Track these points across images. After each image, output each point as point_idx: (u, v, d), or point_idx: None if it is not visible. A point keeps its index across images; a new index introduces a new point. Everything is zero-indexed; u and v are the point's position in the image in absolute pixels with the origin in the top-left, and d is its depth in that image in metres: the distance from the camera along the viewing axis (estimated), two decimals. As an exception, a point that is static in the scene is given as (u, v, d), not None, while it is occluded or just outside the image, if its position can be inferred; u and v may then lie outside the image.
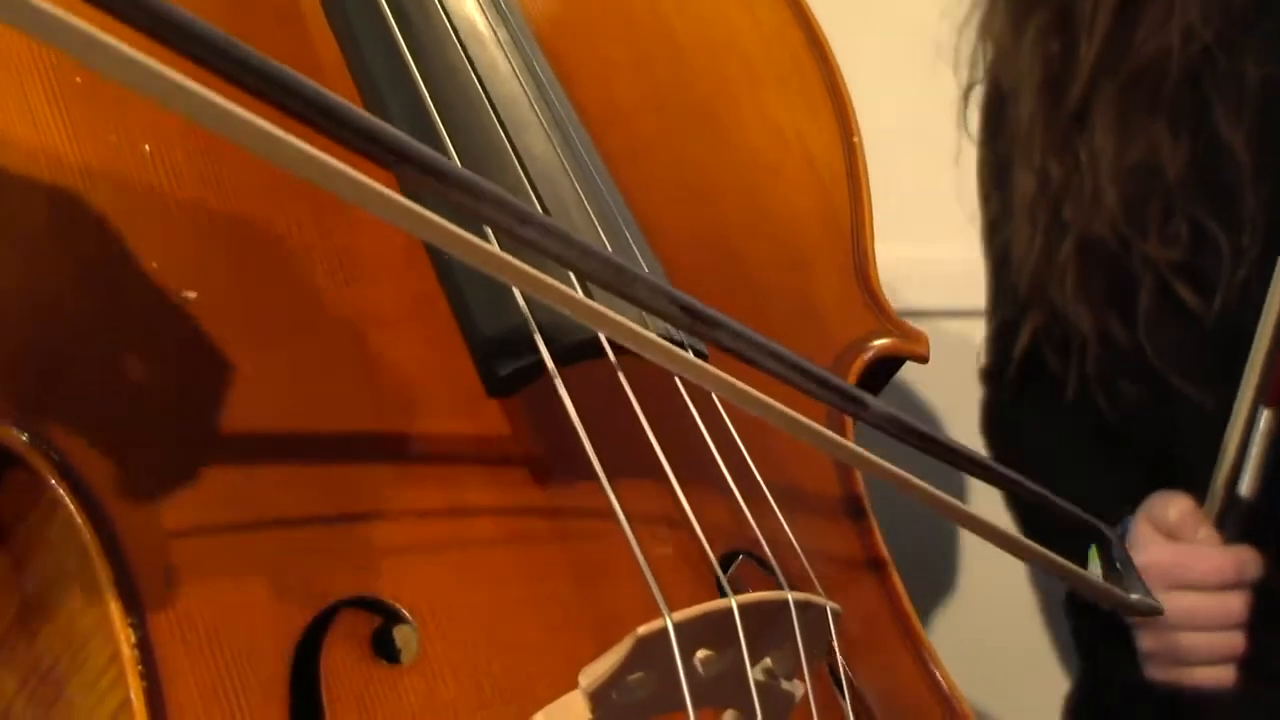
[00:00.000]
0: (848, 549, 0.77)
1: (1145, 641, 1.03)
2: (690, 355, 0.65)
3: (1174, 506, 1.02)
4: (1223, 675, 0.99)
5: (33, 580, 0.66)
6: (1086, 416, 1.15)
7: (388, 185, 0.53)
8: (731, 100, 0.85)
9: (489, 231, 0.61)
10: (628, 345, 0.63)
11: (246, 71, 0.49)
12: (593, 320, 0.61)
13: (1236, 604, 0.99)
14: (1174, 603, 0.98)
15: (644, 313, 0.64)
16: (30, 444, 0.62)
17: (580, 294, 0.61)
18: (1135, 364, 1.09)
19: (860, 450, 0.70)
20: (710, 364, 0.65)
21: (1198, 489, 1.02)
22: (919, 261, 1.36)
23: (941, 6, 1.25)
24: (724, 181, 0.83)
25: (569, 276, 0.64)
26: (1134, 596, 0.76)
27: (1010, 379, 1.21)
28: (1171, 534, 1.01)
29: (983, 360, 1.25)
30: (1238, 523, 0.99)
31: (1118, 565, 0.77)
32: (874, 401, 0.67)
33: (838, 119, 0.86)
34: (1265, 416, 0.96)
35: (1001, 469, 0.73)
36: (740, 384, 0.64)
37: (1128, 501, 1.09)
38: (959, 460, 0.71)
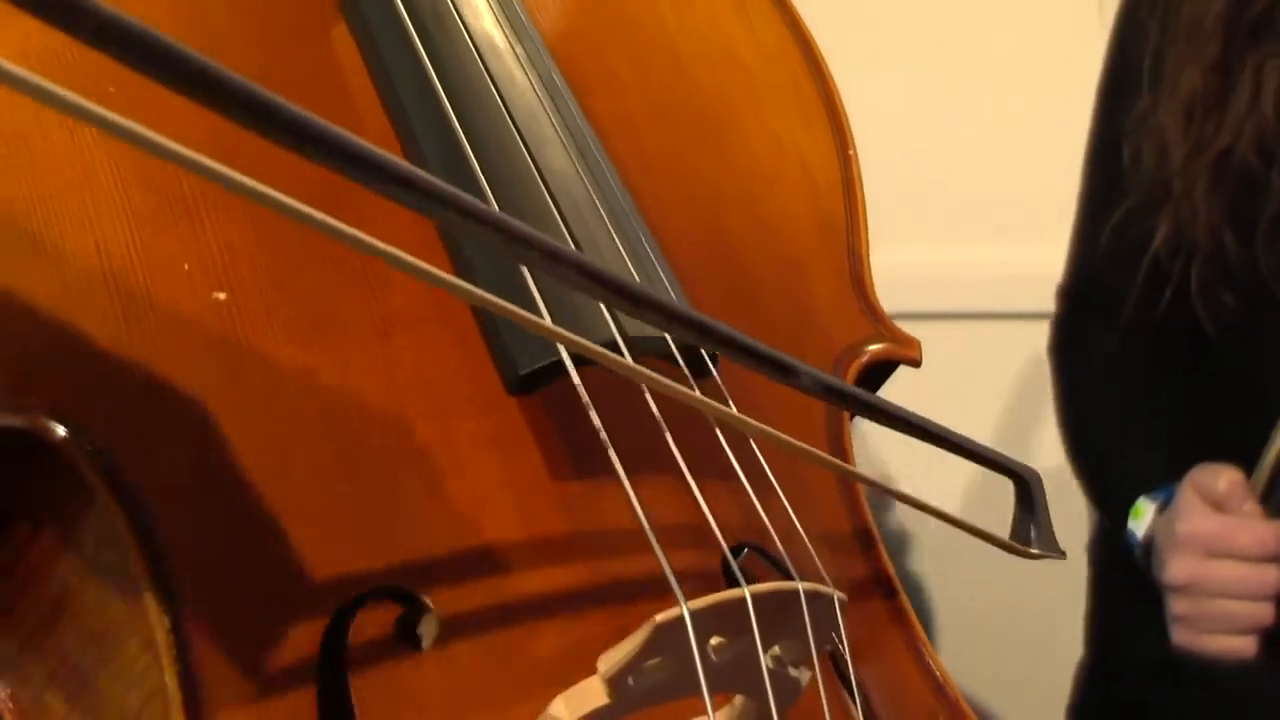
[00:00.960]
0: (848, 540, 0.78)
1: (1178, 605, 1.02)
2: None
3: (1223, 477, 1.01)
4: (1246, 645, 1.00)
5: (66, 570, 0.66)
6: (1153, 345, 1.13)
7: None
8: (733, 113, 0.86)
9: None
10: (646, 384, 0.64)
11: (277, 125, 0.48)
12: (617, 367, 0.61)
13: (1274, 576, 0.99)
14: (1215, 571, 0.99)
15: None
16: (69, 437, 0.62)
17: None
18: (1242, 276, 1.06)
19: (850, 468, 0.71)
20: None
21: (1268, 420, 1.01)
22: (911, 265, 1.37)
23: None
24: (727, 190, 0.83)
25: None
26: (1035, 550, 0.75)
27: (1085, 295, 1.20)
28: (1218, 504, 1.01)
29: (1061, 279, 1.23)
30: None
31: (1029, 512, 0.76)
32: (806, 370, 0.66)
33: (834, 132, 0.87)
34: None
35: (931, 426, 0.72)
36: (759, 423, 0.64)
37: (1170, 434, 1.08)
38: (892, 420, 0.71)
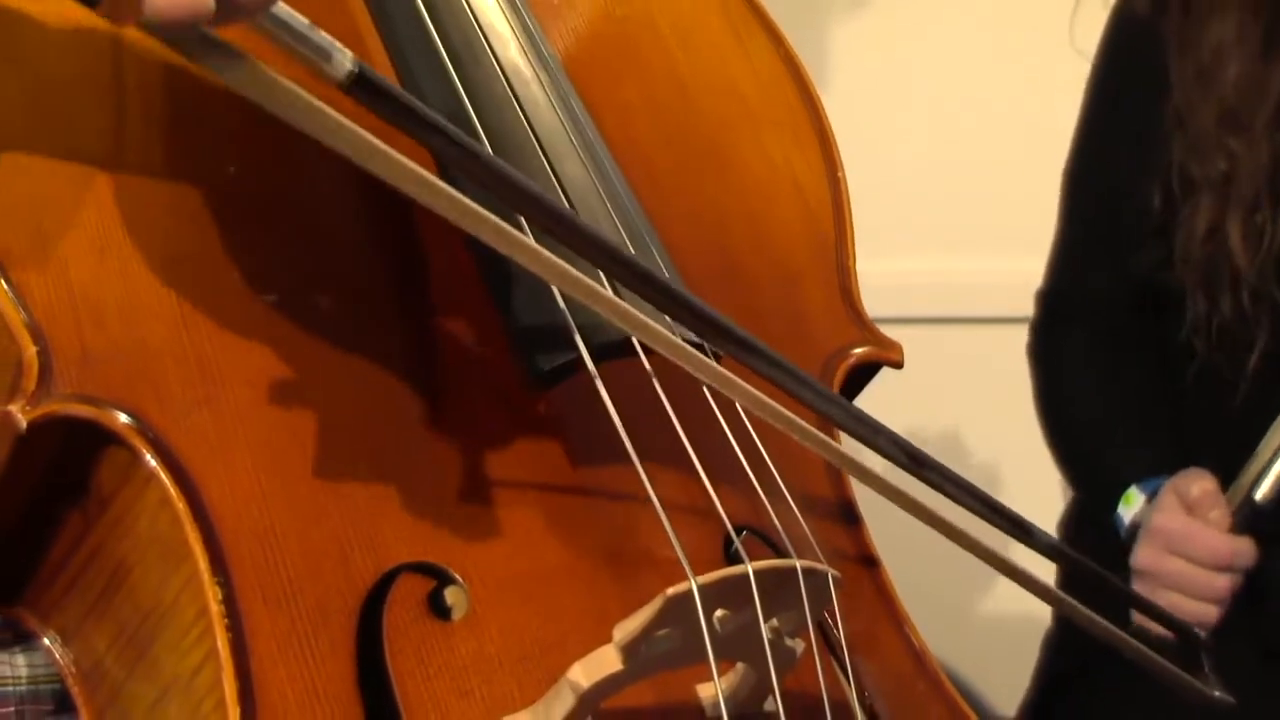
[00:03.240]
0: (837, 521, 0.78)
1: (1137, 586, 1.04)
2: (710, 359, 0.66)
3: (1197, 485, 1.02)
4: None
5: (128, 545, 0.66)
6: (1129, 350, 1.12)
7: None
8: (733, 138, 0.86)
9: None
10: (655, 347, 0.64)
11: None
12: (630, 325, 0.62)
13: (1222, 583, 1.00)
14: (1170, 566, 1.01)
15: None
16: (130, 425, 0.62)
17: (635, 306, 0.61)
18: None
19: (844, 451, 0.72)
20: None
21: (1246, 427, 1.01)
22: (894, 274, 1.37)
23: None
24: (727, 207, 0.84)
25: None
26: (1216, 693, 0.80)
27: (1064, 300, 1.18)
28: (1190, 508, 1.02)
29: (1041, 284, 1.21)
30: (1246, 519, 1.00)
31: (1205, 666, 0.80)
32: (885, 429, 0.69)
33: (824, 156, 0.87)
34: None
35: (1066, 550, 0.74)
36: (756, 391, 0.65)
37: (1147, 430, 1.08)
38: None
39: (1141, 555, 1.03)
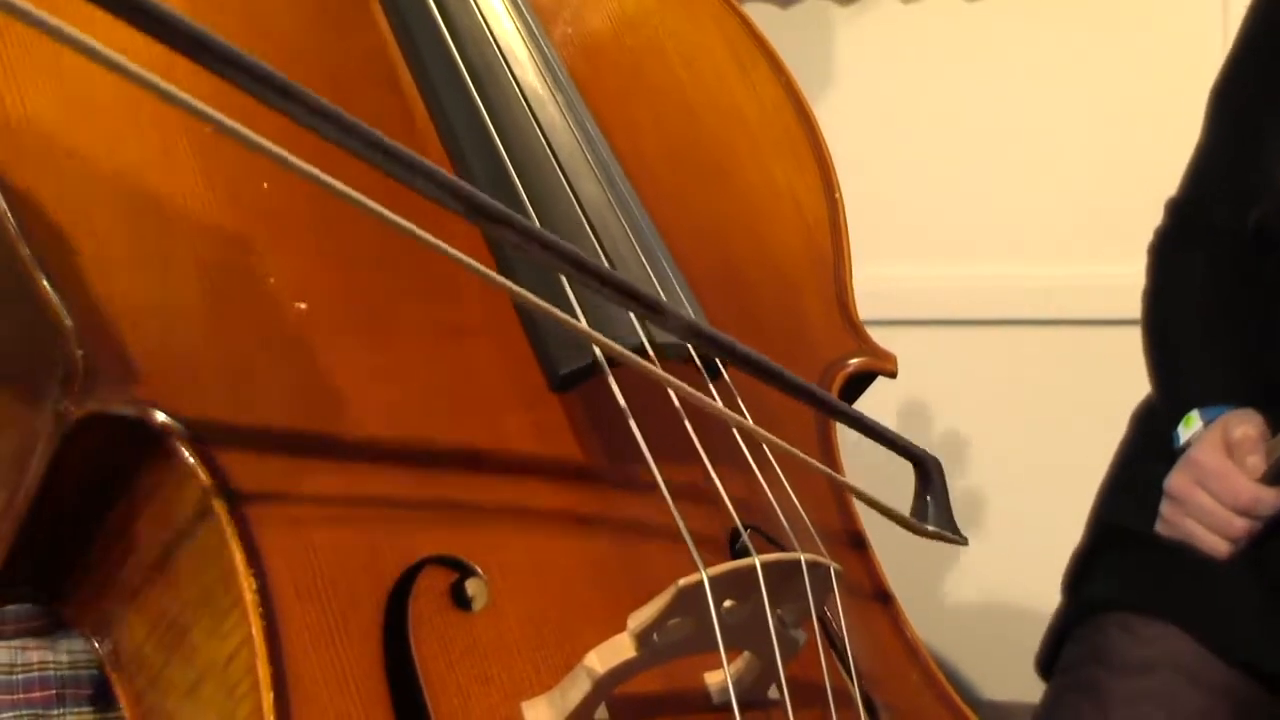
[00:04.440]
0: (834, 517, 0.79)
1: (1164, 506, 1.05)
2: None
3: (1241, 427, 1.02)
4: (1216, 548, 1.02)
5: (167, 537, 0.66)
6: (1241, 277, 1.11)
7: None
8: (736, 158, 0.87)
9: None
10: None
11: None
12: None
13: (1240, 524, 1.01)
14: (1196, 497, 1.03)
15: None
16: (169, 423, 0.63)
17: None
18: None
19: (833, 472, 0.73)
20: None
21: None
22: (890, 279, 1.37)
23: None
24: (731, 223, 0.85)
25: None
26: (930, 528, 0.77)
27: (1194, 213, 1.16)
28: (1230, 447, 1.02)
29: (1177, 192, 1.19)
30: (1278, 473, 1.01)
31: (927, 495, 0.77)
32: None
33: (822, 177, 0.88)
34: None
35: (836, 403, 0.74)
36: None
37: (1234, 358, 1.08)
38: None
39: (1175, 480, 1.04)
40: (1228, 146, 1.16)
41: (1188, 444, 1.05)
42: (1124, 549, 1.09)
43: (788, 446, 0.69)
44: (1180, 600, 1.01)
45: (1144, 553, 1.06)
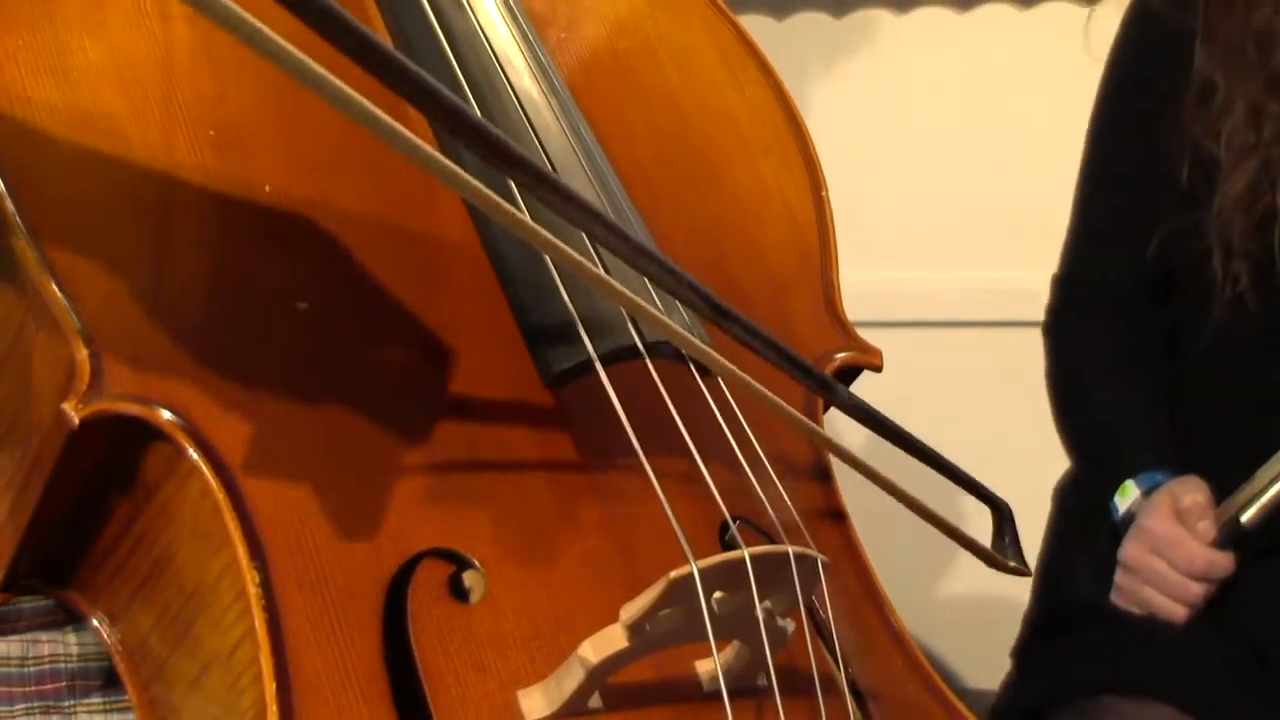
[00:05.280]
0: (822, 511, 0.79)
1: (1119, 576, 1.05)
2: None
3: (1190, 495, 1.02)
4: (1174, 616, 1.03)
5: (172, 533, 0.66)
6: (1138, 337, 1.12)
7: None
8: (727, 160, 0.87)
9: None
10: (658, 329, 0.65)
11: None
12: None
13: (1196, 589, 1.01)
14: (1151, 564, 1.02)
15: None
16: (174, 421, 0.63)
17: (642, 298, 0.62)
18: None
19: (821, 430, 0.74)
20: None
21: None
22: (877, 281, 1.37)
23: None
24: (723, 224, 0.84)
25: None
26: (1011, 564, 0.81)
27: (1080, 285, 1.16)
28: (1180, 515, 1.02)
29: (1059, 269, 1.19)
30: (1230, 536, 1.01)
31: (1005, 535, 0.81)
32: (843, 390, 0.70)
33: (810, 178, 0.88)
34: None
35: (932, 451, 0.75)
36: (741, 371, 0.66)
37: (1149, 415, 1.08)
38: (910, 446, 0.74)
39: (1129, 550, 1.04)
40: (1109, 200, 1.16)
41: (1128, 513, 1.05)
42: (1089, 626, 1.08)
43: (786, 406, 0.69)
44: (1168, 678, 1.00)
45: (1113, 630, 1.05)
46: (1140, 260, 1.10)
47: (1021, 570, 0.81)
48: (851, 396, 0.72)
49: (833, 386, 0.72)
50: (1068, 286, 1.19)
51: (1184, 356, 1.10)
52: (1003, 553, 0.80)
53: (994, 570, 0.82)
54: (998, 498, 0.81)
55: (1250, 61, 1.05)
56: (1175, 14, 1.09)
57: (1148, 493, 1.04)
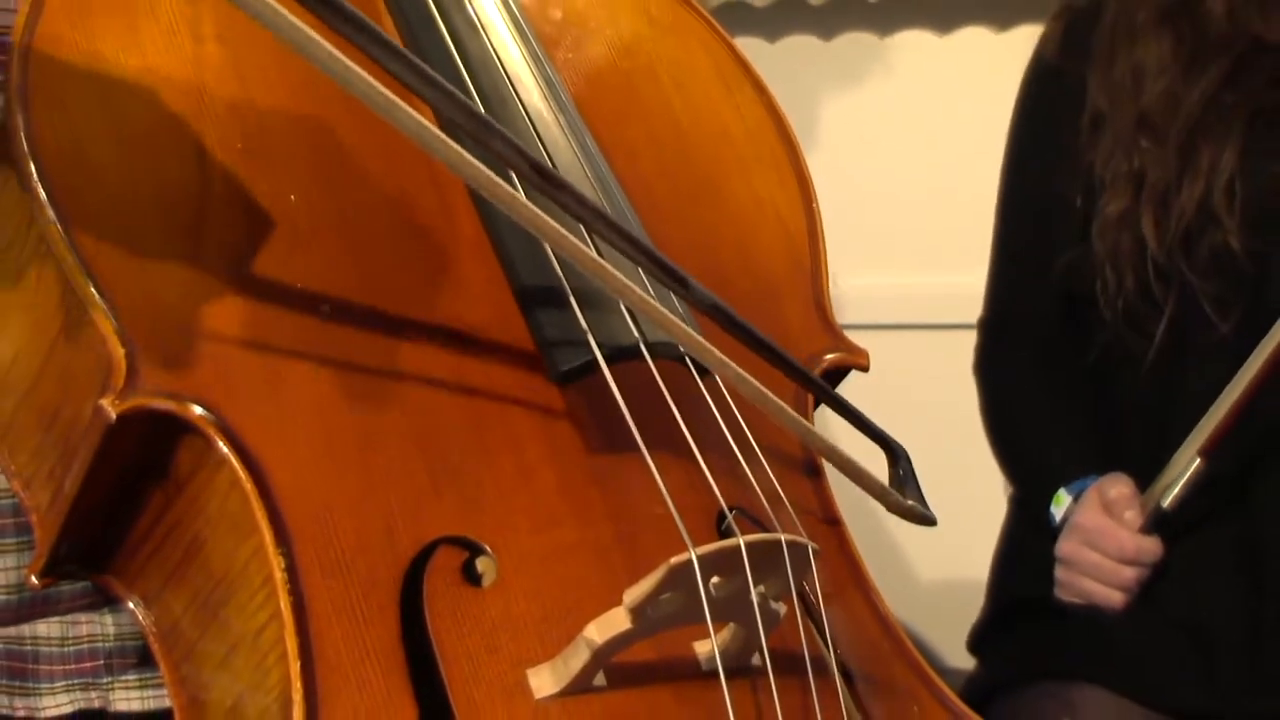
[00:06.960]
0: (813, 502, 0.79)
1: (1058, 571, 1.06)
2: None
3: (1115, 488, 1.04)
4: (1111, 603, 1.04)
5: (202, 521, 0.66)
6: (1062, 367, 1.13)
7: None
8: (724, 174, 0.87)
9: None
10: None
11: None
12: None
13: (1129, 574, 1.02)
14: (1085, 556, 1.03)
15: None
16: (205, 416, 0.63)
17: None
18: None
19: (807, 423, 0.74)
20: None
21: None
22: (865, 286, 1.37)
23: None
24: (719, 235, 0.85)
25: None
26: (909, 502, 0.78)
27: (1004, 326, 1.18)
28: (1106, 507, 1.03)
29: (982, 313, 1.20)
30: (1156, 521, 1.02)
31: (901, 476, 0.79)
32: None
33: (802, 191, 0.88)
34: (1196, 463, 1.00)
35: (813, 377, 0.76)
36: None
37: (1077, 438, 1.10)
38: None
39: (1064, 546, 1.06)
40: (1029, 241, 1.17)
41: (1065, 519, 1.06)
42: (1033, 619, 1.09)
43: (778, 400, 0.69)
44: (1104, 662, 1.01)
45: (1055, 621, 1.06)
46: (1053, 290, 1.12)
47: (922, 512, 0.78)
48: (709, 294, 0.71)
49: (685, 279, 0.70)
50: (991, 327, 1.21)
51: (1104, 364, 1.11)
52: (900, 491, 0.78)
53: (900, 517, 0.79)
54: (892, 439, 0.78)
55: (1128, 94, 1.07)
56: (1068, 63, 1.11)
57: (1079, 497, 1.05)
